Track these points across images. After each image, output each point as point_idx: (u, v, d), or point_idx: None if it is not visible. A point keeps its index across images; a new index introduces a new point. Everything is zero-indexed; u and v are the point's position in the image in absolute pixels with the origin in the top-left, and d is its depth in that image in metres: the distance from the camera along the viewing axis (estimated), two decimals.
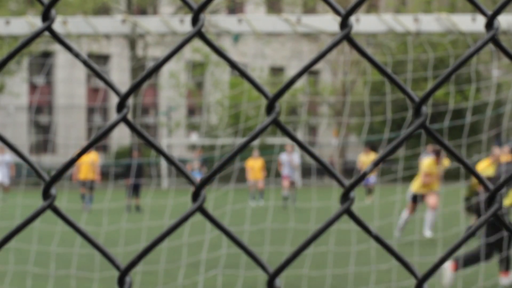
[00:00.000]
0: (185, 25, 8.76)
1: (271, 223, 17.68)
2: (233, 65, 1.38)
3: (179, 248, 13.70)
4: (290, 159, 27.09)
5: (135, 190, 25.99)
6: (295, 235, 15.19)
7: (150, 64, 47.73)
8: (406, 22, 8.76)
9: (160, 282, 10.85)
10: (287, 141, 43.24)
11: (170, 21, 8.84)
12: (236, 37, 9.40)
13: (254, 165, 29.86)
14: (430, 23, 8.82)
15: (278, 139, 43.57)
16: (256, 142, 29.70)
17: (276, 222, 18.46)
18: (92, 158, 25.39)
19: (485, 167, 13.90)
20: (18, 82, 49.24)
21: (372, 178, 28.99)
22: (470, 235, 1.39)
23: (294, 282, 10.80)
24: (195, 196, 1.33)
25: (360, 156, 30.18)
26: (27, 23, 8.76)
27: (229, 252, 12.65)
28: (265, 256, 12.81)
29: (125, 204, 25.43)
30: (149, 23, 8.93)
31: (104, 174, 43.30)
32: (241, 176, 30.12)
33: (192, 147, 51.46)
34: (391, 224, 16.14)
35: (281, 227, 16.68)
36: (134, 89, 1.33)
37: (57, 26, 8.46)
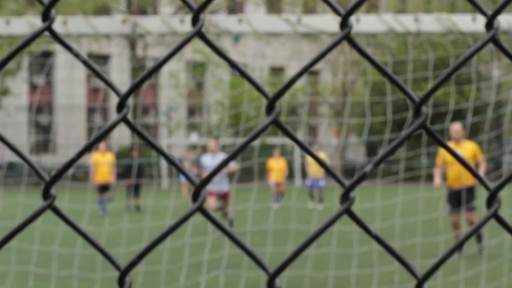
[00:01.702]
0: (185, 25, 8.76)
1: (273, 224, 17.69)
2: (233, 65, 1.38)
3: (181, 249, 13.70)
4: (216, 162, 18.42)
5: (135, 190, 25.87)
6: (297, 236, 15.19)
7: (150, 64, 47.70)
8: (406, 22, 8.76)
9: (162, 282, 10.85)
10: (287, 141, 43.20)
11: (170, 21, 8.84)
12: (236, 37, 9.40)
13: (276, 165, 28.09)
14: (430, 23, 8.82)
15: (278, 140, 43.59)
16: (256, 142, 29.29)
17: (277, 223, 18.46)
18: (108, 159, 24.09)
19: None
20: (18, 82, 49.28)
21: (321, 181, 26.77)
22: (470, 235, 1.39)
23: (296, 283, 10.80)
24: (195, 196, 1.33)
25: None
26: (27, 23, 8.77)
27: (231, 253, 12.65)
28: (267, 256, 12.81)
29: (125, 204, 25.37)
30: (149, 23, 8.93)
31: None
32: (243, 177, 30.00)
33: (193, 147, 51.48)
34: (392, 227, 16.12)
35: (283, 228, 16.67)
36: (134, 89, 1.33)
37: (57, 26, 8.47)
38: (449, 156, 13.38)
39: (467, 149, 13.42)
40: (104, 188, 23.87)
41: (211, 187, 17.89)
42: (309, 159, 27.34)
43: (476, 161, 13.38)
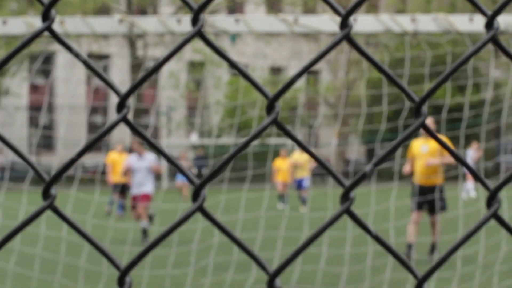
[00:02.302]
0: (182, 25, 8.76)
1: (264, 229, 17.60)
2: (233, 65, 1.38)
3: (187, 253, 13.64)
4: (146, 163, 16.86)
5: (123, 190, 25.46)
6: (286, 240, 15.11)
7: (150, 64, 47.71)
8: (403, 22, 8.76)
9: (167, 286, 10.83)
10: (287, 141, 43.26)
11: (167, 21, 8.84)
12: (234, 37, 9.39)
13: (282, 165, 26.90)
14: (428, 23, 8.83)
15: (279, 140, 43.56)
16: (256, 142, 28.98)
17: (269, 228, 18.40)
18: (124, 159, 23.82)
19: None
20: (18, 82, 49.29)
21: (306, 181, 25.74)
22: (469, 236, 1.39)
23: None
24: (195, 196, 1.33)
25: (294, 153, 26.34)
26: (24, 23, 8.76)
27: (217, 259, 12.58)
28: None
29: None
30: (147, 23, 8.93)
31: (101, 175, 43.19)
32: (240, 177, 29.77)
33: (192, 147, 51.48)
34: (387, 228, 16.08)
35: (273, 234, 16.61)
36: (134, 89, 1.33)
37: (54, 26, 8.47)
38: (415, 150, 13.02)
39: (435, 143, 12.87)
40: (118, 188, 23.13)
41: (135, 189, 16.30)
42: (295, 158, 26.06)
43: (443, 155, 12.80)
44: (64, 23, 8.75)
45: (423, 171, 12.94)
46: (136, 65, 47.84)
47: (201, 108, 52.85)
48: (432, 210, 12.99)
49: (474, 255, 12.56)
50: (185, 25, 8.74)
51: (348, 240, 13.00)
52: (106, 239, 14.70)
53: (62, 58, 54.03)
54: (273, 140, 42.27)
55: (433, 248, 13.04)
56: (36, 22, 8.87)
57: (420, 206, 13.01)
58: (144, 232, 15.93)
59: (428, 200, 12.94)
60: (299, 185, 25.89)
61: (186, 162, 32.58)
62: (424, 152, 12.94)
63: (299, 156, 25.82)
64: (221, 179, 21.84)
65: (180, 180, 31.59)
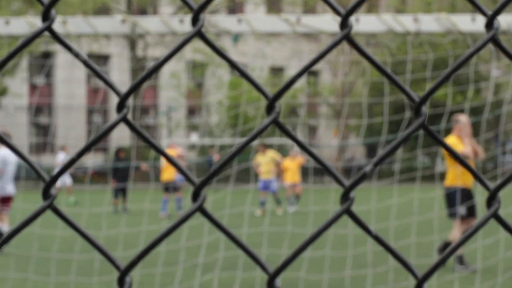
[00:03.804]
0: (184, 25, 8.76)
1: (269, 226, 17.65)
2: (233, 65, 1.38)
3: (176, 251, 13.63)
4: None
5: (122, 191, 25.40)
6: (292, 238, 15.15)
7: (150, 64, 47.69)
8: (405, 22, 8.76)
9: (157, 285, 10.82)
10: (287, 141, 43.24)
11: (169, 21, 8.84)
12: (236, 38, 9.39)
13: (291, 165, 26.05)
14: (430, 23, 8.82)
15: (281, 140, 43.57)
16: (255, 142, 28.84)
17: (274, 225, 18.41)
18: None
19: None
20: (18, 82, 49.29)
21: (273, 183, 24.77)
22: (469, 236, 1.39)
23: (292, 284, 10.79)
24: (195, 196, 1.33)
25: (256, 155, 25.26)
26: (26, 23, 8.76)
27: (226, 255, 12.58)
28: (263, 258, 12.77)
29: (112, 206, 24.97)
30: (149, 23, 8.93)
31: (102, 175, 43.23)
32: (241, 177, 29.87)
33: (192, 147, 51.51)
34: (387, 227, 16.12)
35: (279, 230, 16.63)
36: (134, 89, 1.33)
37: (56, 26, 8.46)
38: (457, 149, 11.02)
39: (470, 145, 11.61)
40: (170, 186, 22.97)
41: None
42: (258, 160, 24.99)
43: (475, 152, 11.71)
44: (67, 23, 8.75)
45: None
46: (138, 69, 47.78)
47: (203, 108, 52.89)
48: (472, 215, 11.81)
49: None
50: (187, 25, 8.74)
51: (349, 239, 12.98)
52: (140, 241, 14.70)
53: (62, 58, 54.04)
54: (275, 140, 42.31)
55: (445, 246, 11.92)
56: (39, 22, 8.87)
57: (471, 212, 11.78)
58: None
59: (471, 204, 11.81)
60: (266, 187, 24.75)
61: (182, 162, 32.40)
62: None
63: (262, 157, 24.80)
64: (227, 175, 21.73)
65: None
